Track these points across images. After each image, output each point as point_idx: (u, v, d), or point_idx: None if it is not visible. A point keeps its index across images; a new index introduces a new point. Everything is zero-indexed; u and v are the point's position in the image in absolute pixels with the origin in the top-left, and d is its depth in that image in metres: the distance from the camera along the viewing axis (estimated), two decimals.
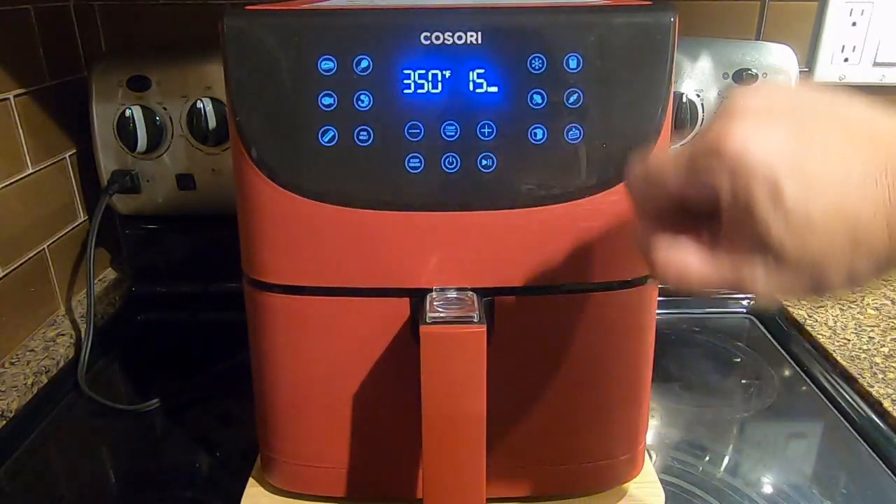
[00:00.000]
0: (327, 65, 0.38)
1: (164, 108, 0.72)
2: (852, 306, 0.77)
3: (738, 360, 0.72)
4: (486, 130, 0.39)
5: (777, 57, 0.72)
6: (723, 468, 0.56)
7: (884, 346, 0.68)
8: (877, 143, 0.26)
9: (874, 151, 0.26)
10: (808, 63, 0.82)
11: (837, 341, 0.69)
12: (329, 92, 0.39)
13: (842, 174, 0.26)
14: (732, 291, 0.29)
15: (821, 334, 0.71)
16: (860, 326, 0.72)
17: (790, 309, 0.77)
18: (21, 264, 0.69)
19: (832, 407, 0.63)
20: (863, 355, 0.67)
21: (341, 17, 0.39)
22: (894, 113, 0.28)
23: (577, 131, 0.39)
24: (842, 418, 0.62)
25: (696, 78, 0.71)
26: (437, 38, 0.38)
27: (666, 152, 0.30)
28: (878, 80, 0.82)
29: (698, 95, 0.71)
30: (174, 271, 0.80)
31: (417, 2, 0.42)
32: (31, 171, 0.70)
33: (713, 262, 0.29)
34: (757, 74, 0.71)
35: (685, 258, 0.30)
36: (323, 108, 0.39)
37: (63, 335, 0.71)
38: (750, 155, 0.26)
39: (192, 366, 0.70)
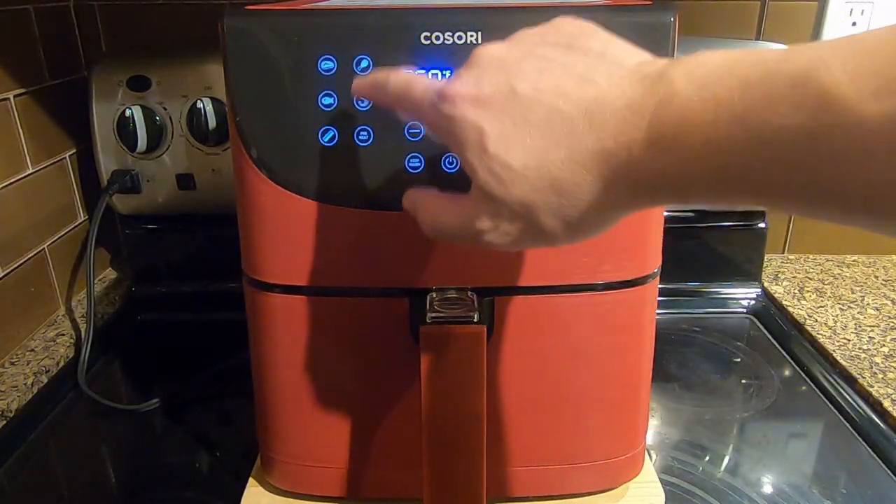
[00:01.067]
0: (327, 65, 0.38)
1: (164, 108, 0.72)
2: (852, 306, 0.77)
3: (738, 360, 0.72)
4: None
5: None
6: (723, 468, 0.56)
7: (884, 346, 0.68)
8: (584, 87, 0.27)
9: (578, 96, 0.27)
10: None
11: (837, 341, 0.69)
12: (329, 92, 0.39)
13: (541, 124, 0.28)
14: (473, 242, 0.32)
15: (821, 334, 0.71)
16: (860, 326, 0.72)
17: (790, 309, 0.77)
18: (21, 264, 0.69)
19: (832, 407, 0.63)
20: (863, 355, 0.67)
21: (341, 17, 0.39)
22: (627, 55, 0.29)
23: None
24: (842, 418, 0.62)
25: None
26: (437, 38, 0.38)
27: (421, 81, 0.32)
28: None
29: None
30: (174, 271, 0.80)
31: (417, 2, 0.42)
32: (31, 171, 0.70)
33: (455, 211, 0.32)
34: None
35: (435, 208, 0.33)
36: (323, 108, 0.39)
37: (63, 335, 0.71)
38: (463, 102, 0.29)
39: (192, 366, 0.70)
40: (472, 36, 0.38)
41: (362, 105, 0.39)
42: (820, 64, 0.21)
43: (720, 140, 0.24)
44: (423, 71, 0.38)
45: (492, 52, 0.30)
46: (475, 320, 0.39)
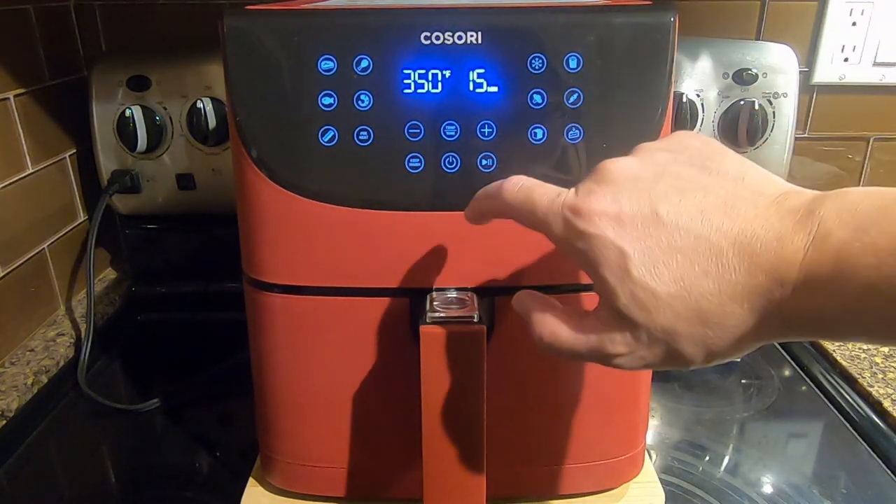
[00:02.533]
0: (327, 65, 0.38)
1: (164, 108, 0.72)
2: None
3: (738, 360, 0.72)
4: (486, 130, 0.39)
5: (777, 57, 0.72)
6: (723, 468, 0.56)
7: (884, 345, 0.68)
8: (730, 216, 0.27)
9: (725, 225, 0.27)
10: (808, 63, 0.82)
11: (837, 341, 0.70)
12: (329, 92, 0.39)
13: (687, 251, 0.27)
14: (602, 361, 0.31)
15: None
16: None
17: None
18: (21, 264, 0.69)
19: (832, 407, 0.63)
20: (863, 355, 0.67)
21: (341, 17, 0.39)
22: (765, 183, 0.28)
23: (577, 131, 0.39)
24: (842, 418, 0.62)
25: (696, 78, 0.71)
26: (437, 37, 0.38)
27: (546, 192, 0.31)
28: (878, 80, 0.82)
29: (698, 95, 0.71)
30: (174, 271, 0.80)
31: (417, 2, 0.42)
32: (31, 171, 0.70)
33: (580, 329, 0.31)
34: (757, 74, 0.71)
35: (555, 323, 0.32)
36: (323, 108, 0.39)
37: (63, 335, 0.71)
38: (601, 220, 0.28)
39: (192, 366, 0.70)
40: (472, 36, 0.38)
41: (362, 105, 0.39)
42: None
43: (881, 287, 0.23)
44: (424, 71, 0.38)
45: (625, 169, 0.30)
46: (475, 320, 0.39)
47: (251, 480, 0.50)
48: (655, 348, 0.28)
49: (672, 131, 0.41)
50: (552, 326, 0.32)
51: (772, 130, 0.72)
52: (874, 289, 0.23)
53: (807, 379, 0.68)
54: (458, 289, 0.42)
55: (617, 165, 0.30)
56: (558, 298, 0.43)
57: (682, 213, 0.27)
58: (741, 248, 0.26)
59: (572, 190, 0.30)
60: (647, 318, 0.28)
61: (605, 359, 0.30)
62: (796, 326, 0.26)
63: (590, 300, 0.43)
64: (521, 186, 0.32)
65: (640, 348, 0.29)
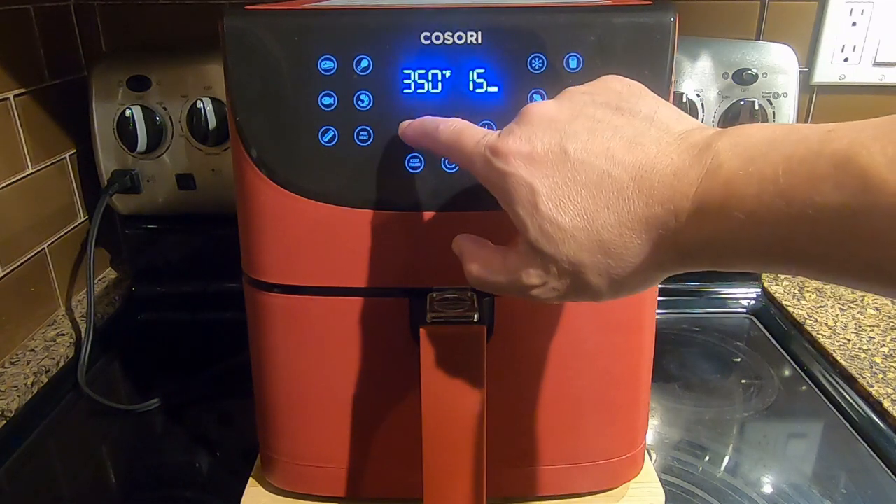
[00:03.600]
0: (327, 65, 0.38)
1: (164, 108, 0.72)
2: (852, 306, 0.77)
3: (738, 360, 0.72)
4: None
5: (777, 57, 0.72)
6: (723, 468, 0.56)
7: (884, 346, 0.68)
8: (634, 152, 0.28)
9: (628, 160, 0.28)
10: (808, 63, 0.82)
11: (837, 341, 0.69)
12: (329, 92, 0.39)
13: (592, 186, 0.29)
14: (520, 294, 0.33)
15: (821, 334, 0.71)
16: (860, 326, 0.72)
17: (790, 309, 0.77)
18: (21, 264, 0.69)
19: (832, 407, 0.63)
20: (863, 355, 0.67)
21: (341, 17, 0.39)
22: (674, 120, 0.30)
23: None
24: (842, 418, 0.62)
25: (696, 78, 0.72)
26: (437, 37, 0.38)
27: (473, 134, 0.33)
28: (878, 80, 0.82)
29: (698, 95, 0.71)
30: (174, 271, 0.80)
31: (417, 2, 0.42)
32: (31, 171, 0.70)
33: (503, 264, 0.33)
34: (757, 74, 0.71)
35: (483, 259, 0.34)
36: (323, 108, 0.39)
37: (63, 335, 0.71)
38: (515, 159, 0.30)
39: (192, 366, 0.70)
40: (472, 36, 0.38)
41: (362, 105, 0.39)
42: (861, 148, 0.22)
43: (763, 213, 0.24)
44: (424, 71, 0.38)
45: (543, 111, 0.31)
46: (475, 320, 0.39)
47: (251, 480, 0.50)
48: (565, 279, 0.30)
49: None
50: (480, 262, 0.34)
51: None
52: (755, 216, 0.25)
53: (807, 379, 0.68)
54: (458, 289, 0.42)
55: (537, 108, 0.32)
56: None
57: (589, 150, 0.29)
58: (640, 181, 0.28)
59: (496, 132, 0.32)
60: (554, 249, 0.29)
61: (522, 290, 0.32)
62: (692, 256, 0.28)
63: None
64: (454, 127, 0.34)
65: (552, 279, 0.31)
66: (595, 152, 0.29)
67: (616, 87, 0.32)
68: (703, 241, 0.27)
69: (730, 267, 0.28)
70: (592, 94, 0.32)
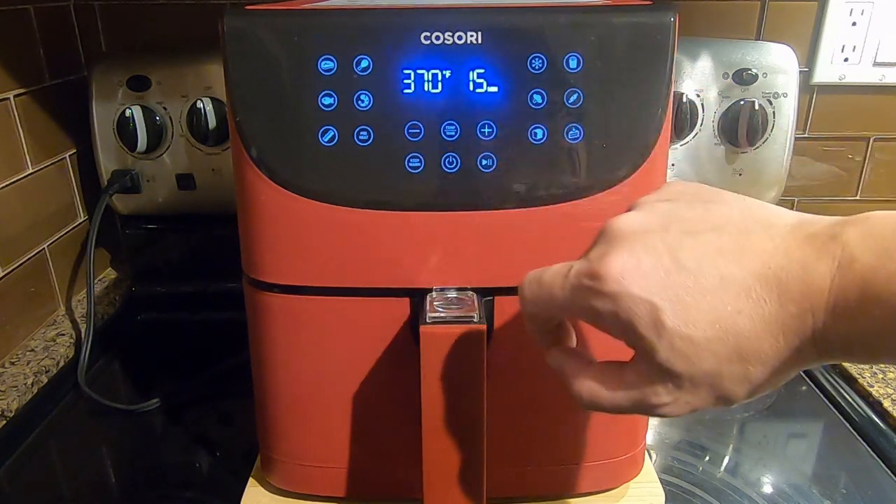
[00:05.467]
0: (327, 65, 0.38)
1: (164, 108, 0.72)
2: None
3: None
4: (486, 130, 0.39)
5: (777, 57, 0.72)
6: (723, 468, 0.56)
7: None
8: (749, 252, 0.27)
9: (746, 262, 0.27)
10: (808, 63, 0.82)
11: None
12: (329, 92, 0.39)
13: (715, 292, 0.27)
14: (645, 413, 0.31)
15: None
16: None
17: None
18: (21, 264, 0.69)
19: (832, 407, 0.63)
20: None
21: (341, 17, 0.39)
22: (771, 214, 0.28)
23: (577, 131, 0.39)
24: (842, 418, 0.62)
25: (696, 78, 0.71)
26: (437, 37, 0.38)
27: (556, 273, 0.31)
28: (878, 80, 0.82)
29: (698, 95, 0.71)
30: (174, 271, 0.80)
31: (417, 2, 0.42)
32: (31, 171, 0.70)
33: (621, 384, 0.30)
34: (757, 74, 0.71)
35: (593, 383, 0.31)
36: (323, 108, 0.39)
37: (63, 335, 0.71)
38: (624, 279, 0.28)
39: (192, 366, 0.70)
40: (472, 36, 0.38)
41: (362, 105, 0.39)
42: None
43: None
44: (424, 71, 0.38)
45: (631, 224, 0.29)
46: (475, 320, 0.39)
47: (251, 480, 0.50)
48: (700, 392, 0.28)
49: (672, 131, 0.41)
50: (591, 386, 0.32)
51: (772, 130, 0.72)
52: None
53: (807, 379, 0.68)
54: (458, 289, 0.42)
55: (622, 222, 0.30)
56: None
57: (701, 255, 0.27)
58: (767, 281, 0.26)
59: (581, 259, 0.30)
60: (689, 366, 0.27)
61: (650, 409, 0.30)
62: (830, 351, 0.26)
63: None
64: (530, 280, 0.32)
65: (685, 395, 0.28)
66: (708, 256, 0.27)
67: (689, 189, 0.31)
68: (843, 338, 0.25)
69: (869, 362, 0.27)
70: (670, 199, 0.30)
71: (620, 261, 0.28)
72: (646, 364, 0.29)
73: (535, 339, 0.35)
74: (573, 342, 0.35)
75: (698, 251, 0.27)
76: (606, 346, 0.32)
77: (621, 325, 0.28)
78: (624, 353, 0.31)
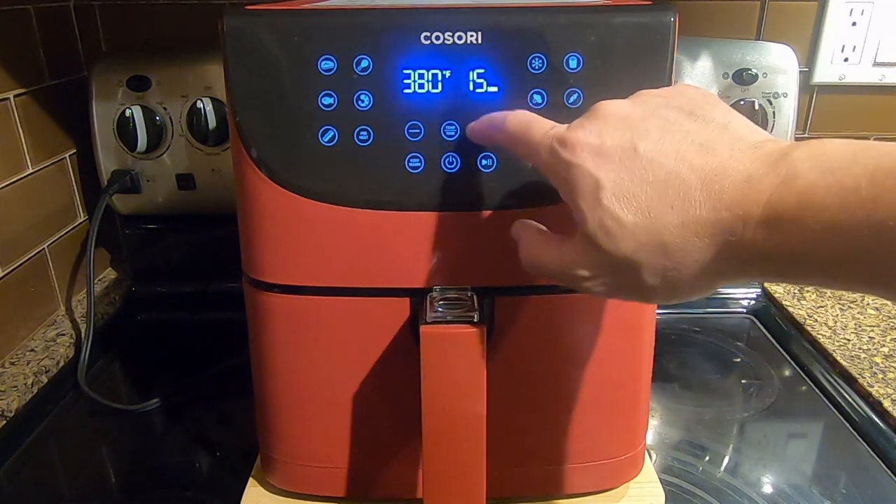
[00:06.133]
0: (327, 65, 0.38)
1: (164, 108, 0.72)
2: (852, 306, 0.77)
3: (738, 360, 0.72)
4: None
5: (777, 57, 0.72)
6: (723, 468, 0.56)
7: (884, 346, 0.68)
8: (705, 156, 0.28)
9: (698, 163, 0.28)
10: (808, 63, 0.82)
11: (837, 341, 0.69)
12: (329, 92, 0.39)
13: (658, 184, 0.28)
14: (570, 283, 0.33)
15: (821, 334, 0.71)
16: (860, 326, 0.72)
17: (790, 309, 0.77)
18: (21, 264, 0.69)
19: (832, 407, 0.63)
20: (863, 355, 0.67)
21: (341, 17, 0.39)
22: (746, 131, 0.29)
23: None
24: (842, 418, 0.62)
25: (696, 78, 0.71)
26: (437, 37, 0.38)
27: (541, 124, 0.33)
28: (878, 80, 0.82)
29: None
30: (174, 271, 0.80)
31: (417, 2, 0.42)
32: (31, 171, 0.70)
33: (557, 251, 0.33)
34: (757, 74, 0.71)
35: (538, 244, 0.34)
36: (323, 108, 0.39)
37: (63, 335, 0.71)
38: (583, 151, 0.30)
39: (192, 366, 0.70)
40: (472, 36, 0.38)
41: (362, 105, 0.39)
42: None
43: (842, 226, 0.24)
44: (424, 71, 0.38)
45: (615, 108, 0.31)
46: (475, 320, 0.39)
47: (251, 480, 0.50)
48: (618, 275, 0.30)
49: None
50: (535, 247, 0.34)
51: (772, 130, 0.72)
52: (834, 227, 0.24)
53: (807, 379, 0.68)
54: (458, 289, 0.42)
55: (610, 105, 0.31)
56: (557, 299, 0.43)
57: (659, 149, 0.29)
58: (709, 184, 0.27)
59: (565, 125, 0.32)
60: (612, 244, 0.29)
61: (572, 280, 0.32)
62: (754, 265, 0.27)
63: (592, 300, 0.43)
64: (522, 119, 0.34)
65: (604, 273, 0.30)
66: (665, 152, 0.28)
67: (690, 93, 0.32)
68: (769, 250, 0.26)
69: (791, 280, 0.27)
70: (666, 97, 0.31)
71: (587, 135, 0.30)
72: (580, 236, 0.31)
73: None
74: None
75: (660, 146, 0.29)
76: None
77: (568, 192, 0.31)
78: None
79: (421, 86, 0.39)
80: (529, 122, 0.34)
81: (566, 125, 0.32)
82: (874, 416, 0.60)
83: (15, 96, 0.68)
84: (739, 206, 0.26)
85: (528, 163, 0.34)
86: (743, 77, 0.71)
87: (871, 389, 0.61)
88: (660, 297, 0.30)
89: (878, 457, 0.57)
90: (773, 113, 0.71)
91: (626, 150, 0.29)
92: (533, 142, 0.33)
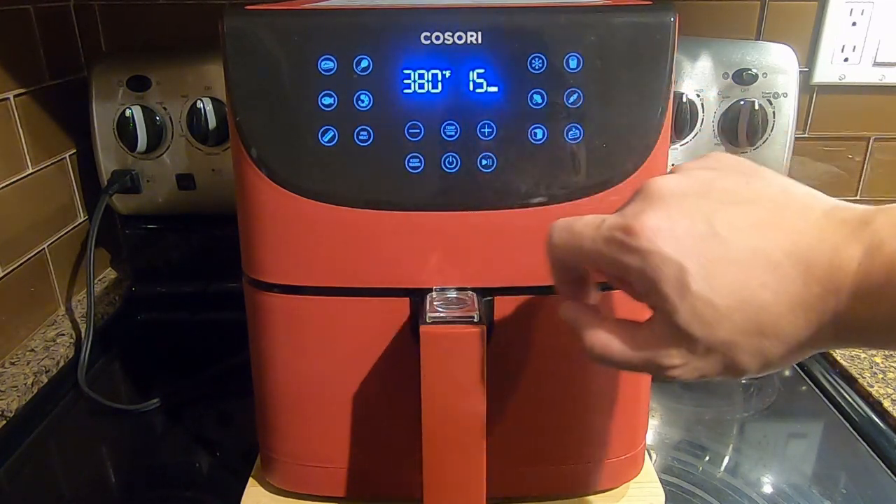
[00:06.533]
0: (327, 65, 0.38)
1: (164, 108, 0.72)
2: None
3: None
4: (486, 130, 0.39)
5: (777, 57, 0.72)
6: (723, 468, 0.56)
7: None
8: (783, 228, 0.27)
9: (779, 238, 0.27)
10: (808, 63, 0.82)
11: None
12: (329, 92, 0.39)
13: (744, 263, 0.27)
14: (654, 373, 0.31)
15: None
16: None
17: None
18: (21, 264, 0.69)
19: (832, 407, 0.63)
20: (863, 355, 0.67)
21: (341, 17, 0.39)
22: (808, 195, 0.29)
23: (577, 131, 0.39)
24: (842, 418, 0.62)
25: (696, 78, 0.71)
26: (437, 38, 0.38)
27: (588, 223, 0.31)
28: (878, 80, 0.82)
29: (698, 95, 0.71)
30: (174, 271, 0.80)
31: (417, 2, 0.42)
32: (31, 171, 0.70)
33: (634, 343, 0.31)
34: (757, 74, 0.71)
35: (606, 336, 0.32)
36: (323, 108, 0.39)
37: (63, 335, 0.71)
38: (656, 237, 0.28)
39: (192, 366, 0.70)
40: (472, 36, 0.38)
41: (362, 105, 0.39)
42: None
43: None
44: (424, 71, 0.38)
45: (671, 186, 0.29)
46: (475, 320, 0.39)
47: (251, 480, 0.50)
48: (712, 360, 0.28)
49: (672, 131, 0.41)
50: (604, 340, 0.32)
51: (772, 130, 0.72)
52: None
53: (807, 379, 0.68)
54: (458, 289, 0.42)
55: (662, 183, 0.30)
56: (557, 299, 0.43)
57: (736, 225, 0.27)
58: (797, 259, 0.26)
59: (616, 213, 0.30)
60: (707, 331, 0.27)
61: (659, 371, 0.30)
62: (849, 334, 0.26)
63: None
64: (561, 227, 0.32)
65: (697, 360, 0.29)
66: (742, 228, 0.27)
67: (732, 161, 0.31)
68: (864, 321, 0.26)
69: (887, 348, 0.27)
70: (711, 167, 0.30)
71: (656, 219, 0.28)
72: (663, 325, 0.29)
73: (557, 288, 0.35)
74: (592, 299, 0.35)
75: (733, 221, 0.28)
76: (623, 311, 0.32)
77: (646, 283, 0.28)
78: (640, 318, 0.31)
79: (421, 86, 0.39)
80: (571, 226, 0.31)
81: (617, 213, 0.30)
82: (874, 416, 0.60)
83: (15, 96, 0.68)
84: (830, 280, 0.26)
85: (588, 268, 0.32)
86: (743, 77, 0.71)
87: (871, 389, 0.61)
88: (752, 373, 0.29)
89: (878, 457, 0.57)
90: (773, 113, 0.71)
91: (702, 230, 0.28)
92: (585, 243, 0.30)
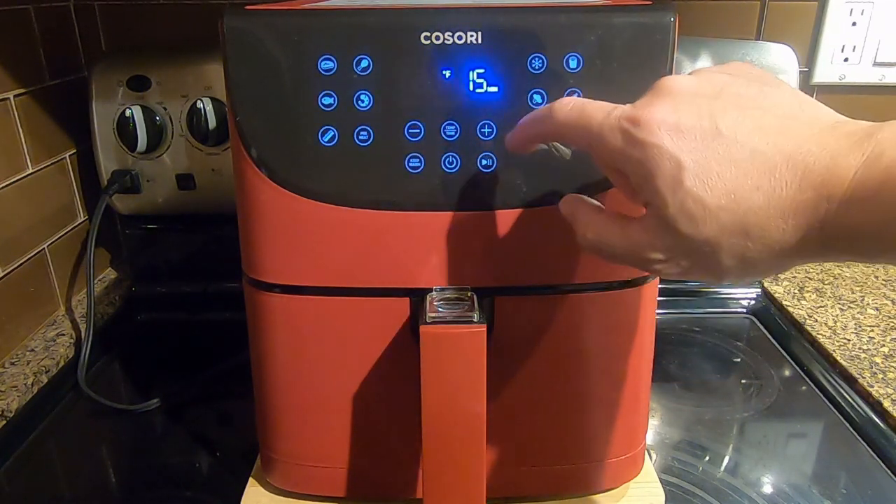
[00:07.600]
0: (327, 65, 0.38)
1: (164, 108, 0.72)
2: (852, 306, 0.77)
3: (738, 360, 0.72)
4: (486, 130, 0.39)
5: (777, 57, 0.72)
6: (723, 468, 0.56)
7: (884, 346, 0.68)
8: (786, 135, 0.27)
9: (780, 142, 0.27)
10: (808, 63, 0.82)
11: (837, 341, 0.69)
12: (329, 92, 0.39)
13: (742, 164, 0.27)
14: (639, 266, 0.32)
15: (821, 334, 0.71)
16: (860, 326, 0.72)
17: (790, 309, 0.77)
18: (21, 264, 0.69)
19: (832, 407, 0.63)
20: (863, 355, 0.67)
21: (341, 17, 0.39)
22: (820, 109, 0.29)
23: None
24: (842, 418, 0.62)
25: None
26: (437, 38, 0.38)
27: (599, 107, 0.31)
28: (878, 80, 0.82)
29: None
30: (174, 271, 0.80)
31: (417, 2, 0.42)
32: (31, 171, 0.70)
33: (623, 232, 0.31)
34: None
35: (599, 224, 0.33)
36: (323, 108, 0.39)
37: (63, 335, 0.71)
38: (660, 130, 0.28)
39: (192, 366, 0.70)
40: (472, 36, 0.38)
41: (362, 105, 0.39)
42: None
43: None
44: (424, 70, 0.38)
45: (683, 84, 0.30)
46: (475, 320, 0.39)
47: (251, 480, 0.50)
48: (695, 257, 0.29)
49: None
50: (597, 226, 0.33)
51: None
52: None
53: (807, 379, 0.68)
54: (458, 289, 0.42)
55: (676, 81, 0.30)
56: (556, 299, 0.43)
57: (741, 127, 0.28)
58: (795, 164, 0.26)
59: (628, 104, 0.30)
60: (693, 228, 0.28)
61: (643, 263, 0.31)
62: (836, 242, 0.26)
63: (592, 301, 0.43)
64: (574, 105, 0.32)
65: (680, 256, 0.29)
66: (746, 130, 0.27)
67: (753, 71, 0.31)
68: (851, 229, 0.26)
69: (871, 259, 0.27)
70: (730, 73, 0.30)
71: (662, 113, 0.28)
72: (653, 219, 0.29)
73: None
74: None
75: (739, 123, 0.28)
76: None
77: (642, 175, 0.29)
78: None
79: (421, 86, 0.39)
80: (583, 106, 0.31)
81: (629, 104, 0.30)
82: (874, 416, 0.60)
83: (15, 96, 0.68)
84: (824, 185, 0.26)
85: (586, 150, 0.32)
86: None
87: (871, 389, 0.61)
88: (733, 277, 0.29)
89: (878, 457, 0.57)
90: None
91: (706, 129, 0.28)
92: (593, 125, 0.30)
